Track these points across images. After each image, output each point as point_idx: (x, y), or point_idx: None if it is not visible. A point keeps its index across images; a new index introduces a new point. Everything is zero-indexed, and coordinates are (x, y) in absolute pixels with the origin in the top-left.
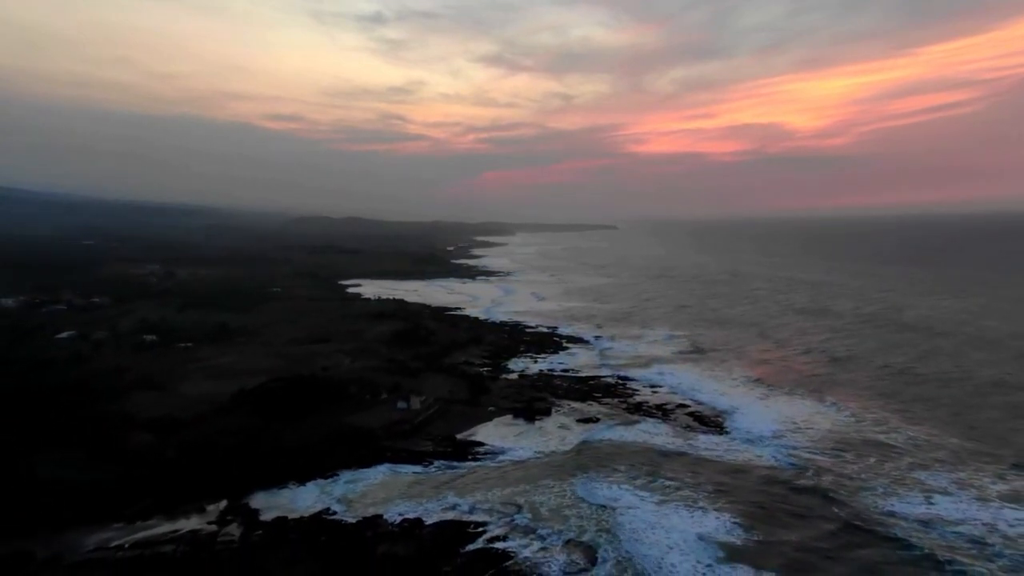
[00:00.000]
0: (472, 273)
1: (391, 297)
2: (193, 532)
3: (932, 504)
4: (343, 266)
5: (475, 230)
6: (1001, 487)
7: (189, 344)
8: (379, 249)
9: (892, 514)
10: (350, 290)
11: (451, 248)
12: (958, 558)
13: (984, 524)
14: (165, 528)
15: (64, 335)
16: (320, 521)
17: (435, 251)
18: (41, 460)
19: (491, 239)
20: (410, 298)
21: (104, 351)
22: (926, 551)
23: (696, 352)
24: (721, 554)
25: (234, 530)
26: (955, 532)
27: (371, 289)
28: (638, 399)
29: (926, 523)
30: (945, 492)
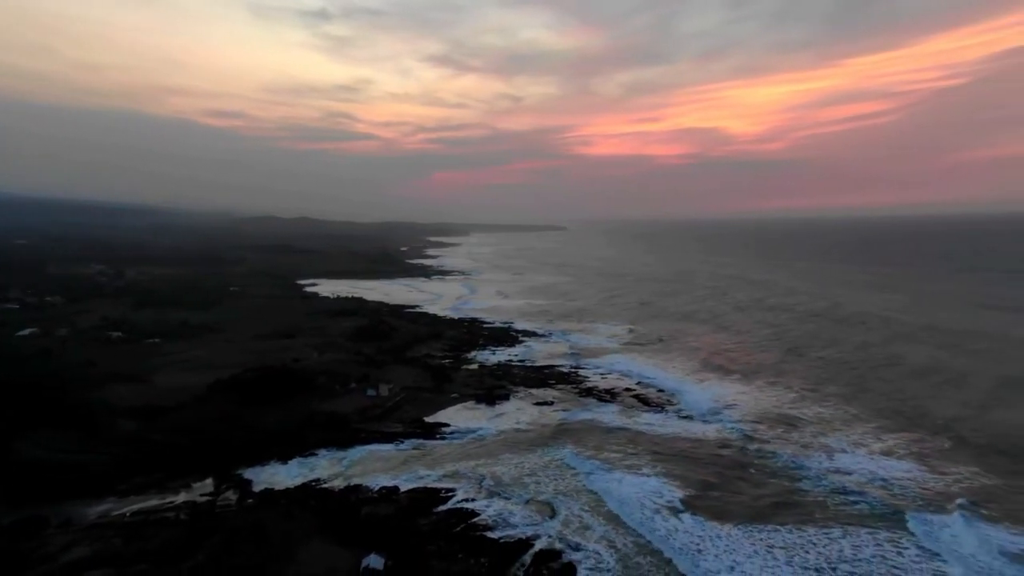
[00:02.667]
0: (428, 272)
1: (350, 295)
2: (191, 501)
3: (832, 460)
4: (298, 266)
5: (428, 230)
6: (881, 445)
7: (156, 340)
8: (332, 249)
9: (800, 467)
10: (307, 289)
11: (405, 248)
12: (848, 495)
13: (869, 471)
14: (158, 501)
15: (26, 332)
16: (307, 489)
17: (389, 251)
18: (33, 444)
19: (444, 239)
20: (369, 297)
21: (71, 347)
22: (824, 491)
23: (643, 343)
24: (663, 505)
25: (231, 496)
26: (847, 478)
27: (328, 288)
28: (589, 384)
29: (827, 471)
30: (843, 451)
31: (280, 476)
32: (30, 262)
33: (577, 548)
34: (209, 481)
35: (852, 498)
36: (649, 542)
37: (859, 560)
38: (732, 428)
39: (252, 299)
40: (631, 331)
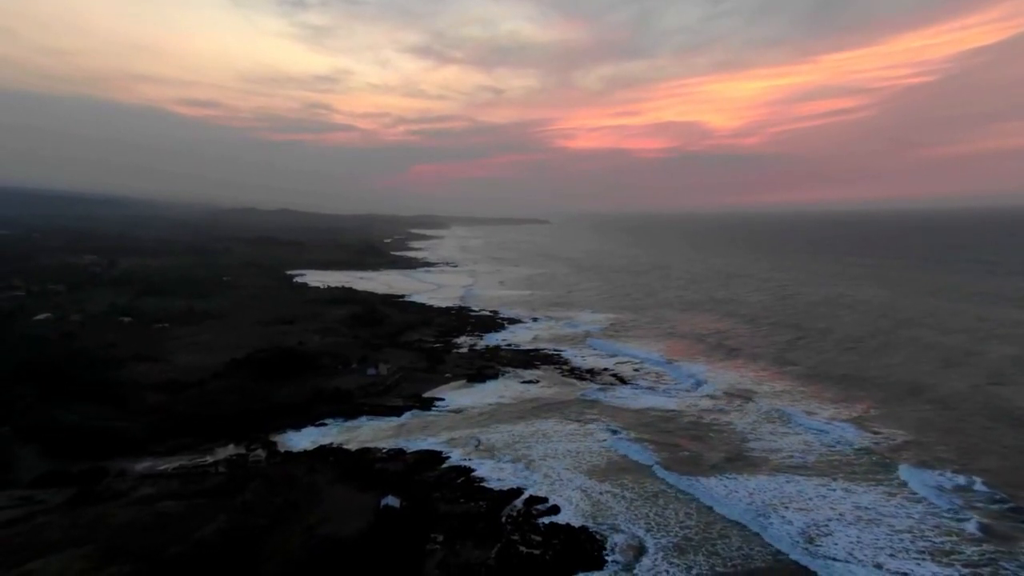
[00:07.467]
0: (415, 264)
1: (340, 285)
2: (225, 459)
3: (789, 423)
4: (285, 257)
5: (410, 223)
6: (826, 414)
7: (165, 325)
8: (316, 241)
9: (755, 430)
10: (297, 279)
11: (388, 240)
12: (795, 454)
13: (814, 432)
14: (192, 460)
15: (41, 317)
16: (324, 450)
17: (373, 243)
18: (70, 413)
19: (427, 232)
20: (358, 286)
21: (89, 330)
22: (773, 450)
23: (626, 328)
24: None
25: (260, 453)
26: (798, 438)
27: (316, 278)
28: (573, 365)
29: (779, 434)
30: (798, 415)
31: (295, 441)
32: (19, 252)
33: (561, 494)
34: (232, 446)
35: (800, 452)
36: (621, 490)
37: (805, 498)
38: (704, 400)
39: (246, 288)
40: (616, 316)
